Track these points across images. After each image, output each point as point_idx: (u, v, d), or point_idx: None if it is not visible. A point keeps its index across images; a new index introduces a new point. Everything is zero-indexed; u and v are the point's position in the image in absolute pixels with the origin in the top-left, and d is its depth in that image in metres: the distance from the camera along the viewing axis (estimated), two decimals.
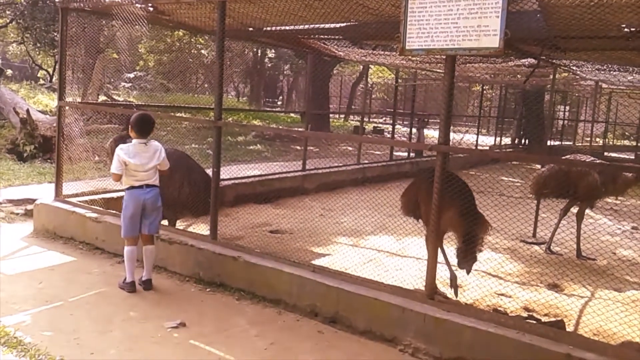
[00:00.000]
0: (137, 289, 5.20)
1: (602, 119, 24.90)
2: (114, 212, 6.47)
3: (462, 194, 5.09)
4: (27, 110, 11.75)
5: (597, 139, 25.65)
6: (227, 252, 5.42)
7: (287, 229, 7.56)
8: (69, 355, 3.89)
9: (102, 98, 15.83)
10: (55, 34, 16.35)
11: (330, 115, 25.60)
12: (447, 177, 4.71)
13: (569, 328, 4.75)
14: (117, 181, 5.25)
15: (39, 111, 14.44)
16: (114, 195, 7.18)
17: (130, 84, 19.87)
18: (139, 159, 5.15)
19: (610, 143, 25.64)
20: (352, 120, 29.94)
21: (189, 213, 6.55)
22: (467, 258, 5.16)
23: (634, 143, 25.45)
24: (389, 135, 19.61)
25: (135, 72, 20.01)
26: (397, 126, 19.64)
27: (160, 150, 5.33)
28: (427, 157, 14.64)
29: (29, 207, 7.46)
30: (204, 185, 6.28)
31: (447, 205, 4.65)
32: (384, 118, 31.07)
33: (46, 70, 27.71)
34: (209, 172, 6.08)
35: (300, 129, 14.67)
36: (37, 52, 24.00)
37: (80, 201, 6.92)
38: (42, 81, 29.16)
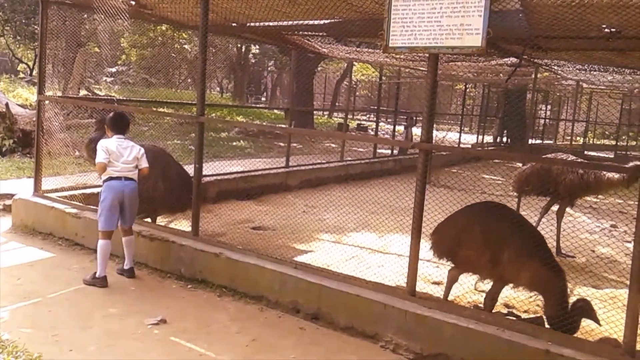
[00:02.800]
0: (111, 281, 5.17)
1: (583, 118, 25.26)
2: (93, 207, 6.38)
3: (536, 238, 4.34)
4: (7, 104, 11.56)
5: (578, 138, 26.00)
6: (208, 249, 5.39)
7: (270, 226, 7.54)
8: (48, 351, 3.84)
9: (83, 92, 15.64)
10: (36, 26, 16.12)
11: (314, 112, 25.59)
12: (507, 215, 4.32)
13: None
14: (102, 171, 5.23)
15: (19, 105, 14.20)
16: (94, 190, 7.08)
17: (111, 79, 19.67)
18: (120, 150, 5.23)
19: (591, 142, 25.99)
20: (336, 117, 29.94)
21: (164, 209, 6.55)
22: (570, 326, 4.10)
23: (614, 142, 25.83)
24: (372, 133, 19.67)
25: (117, 67, 19.82)
26: (381, 124, 19.70)
27: (140, 148, 5.41)
28: (410, 155, 14.70)
29: (8, 202, 7.34)
30: (178, 182, 6.30)
31: (524, 257, 4.06)
32: (367, 115, 31.13)
33: (26, 64, 27.33)
34: (191, 168, 6.04)
35: (284, 126, 14.66)
36: (17, 45, 23.67)
37: (59, 196, 6.84)
38: (22, 75, 28.67)
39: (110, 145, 5.22)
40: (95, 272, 5.17)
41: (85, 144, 6.95)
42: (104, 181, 5.25)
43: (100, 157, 5.16)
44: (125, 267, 5.40)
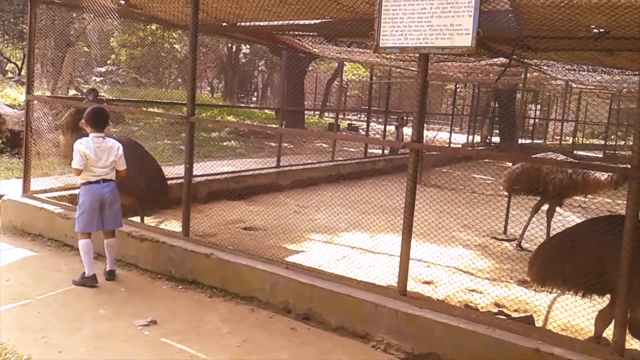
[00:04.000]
0: (100, 282, 5.15)
1: (572, 118, 25.42)
2: None
3: None
4: None
5: (567, 138, 26.17)
6: (199, 249, 5.37)
7: (261, 226, 7.53)
8: (37, 354, 3.81)
9: (72, 92, 15.54)
10: (24, 26, 15.98)
11: (305, 112, 25.58)
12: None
13: (538, 323, 4.84)
14: (78, 175, 5.21)
15: (7, 105, 14.07)
16: None
17: (101, 78, 19.55)
18: (98, 154, 5.15)
19: (580, 141, 26.18)
20: (327, 117, 29.95)
21: (143, 207, 6.55)
22: None
23: (602, 142, 26.02)
24: (363, 133, 19.68)
25: (106, 66, 19.71)
26: (372, 123, 19.72)
27: (118, 148, 5.32)
28: (401, 155, 14.73)
29: None
30: (157, 178, 6.39)
31: None
32: (358, 115, 31.16)
33: (15, 63, 27.11)
34: (182, 168, 6.02)
35: (274, 126, 14.64)
36: (6, 45, 23.46)
37: (48, 197, 6.79)
38: (10, 74, 28.49)
39: (88, 149, 5.09)
40: (84, 272, 5.14)
41: (65, 117, 6.78)
42: (82, 184, 5.22)
43: (76, 163, 5.10)
44: (107, 269, 5.33)
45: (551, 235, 5.21)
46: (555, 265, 4.21)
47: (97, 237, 5.39)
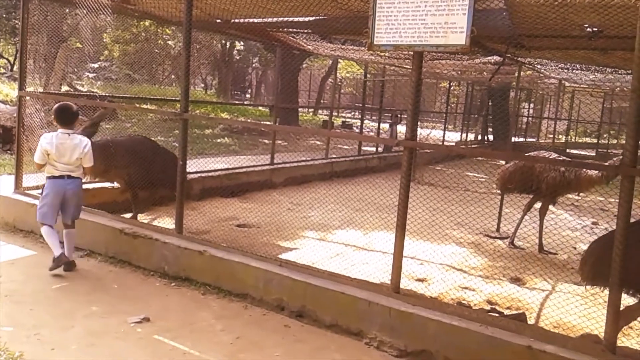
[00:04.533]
0: (93, 279, 5.14)
1: (565, 117, 25.51)
2: None
3: None
4: None
5: (560, 136, 26.29)
6: (192, 246, 5.36)
7: (255, 223, 7.52)
8: (29, 351, 3.79)
9: (64, 88, 15.46)
10: (17, 21, 15.87)
11: (299, 109, 25.55)
12: None
13: (530, 321, 4.86)
14: (40, 170, 5.40)
15: None
16: None
17: (94, 74, 19.46)
18: (61, 150, 5.22)
19: (573, 140, 26.28)
20: (321, 114, 29.92)
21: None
22: None
23: (595, 140, 26.15)
24: (357, 130, 19.68)
25: (99, 62, 19.61)
26: (365, 121, 19.73)
27: (86, 145, 5.36)
28: (395, 153, 14.75)
29: None
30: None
31: None
32: (352, 113, 31.15)
33: (7, 59, 26.89)
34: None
35: (268, 123, 14.61)
36: None
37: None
38: (2, 70, 28.25)
39: (49, 145, 5.19)
40: (54, 256, 5.21)
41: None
42: (47, 177, 5.33)
43: (36, 158, 5.28)
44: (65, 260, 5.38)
45: (605, 234, 4.85)
46: (608, 265, 3.98)
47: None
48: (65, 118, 5.34)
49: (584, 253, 4.61)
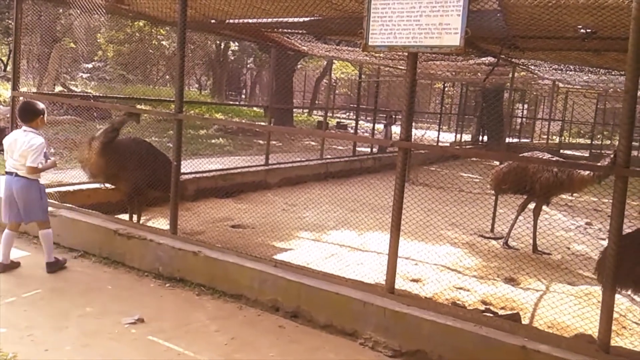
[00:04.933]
0: (87, 280, 5.11)
1: (559, 118, 25.62)
2: (69, 205, 6.33)
3: None
4: None
5: (554, 137, 26.39)
6: (187, 247, 5.35)
7: (249, 224, 7.52)
8: (23, 352, 3.78)
9: (58, 88, 15.40)
10: (10, 21, 15.81)
11: (294, 110, 25.54)
12: None
13: (525, 321, 4.88)
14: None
15: None
16: (70, 188, 7.02)
17: (88, 75, 19.39)
18: (12, 147, 5.24)
19: (566, 141, 26.39)
20: (316, 115, 29.93)
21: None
22: None
23: (589, 141, 26.25)
24: (352, 131, 19.70)
25: (93, 63, 19.55)
26: (360, 122, 19.75)
27: (27, 142, 5.14)
28: (389, 153, 14.77)
29: None
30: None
31: None
32: (347, 113, 31.18)
33: (0, 59, 26.78)
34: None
35: (263, 123, 14.59)
36: None
37: None
38: None
39: (5, 142, 5.28)
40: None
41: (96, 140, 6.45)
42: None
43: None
44: (46, 261, 5.34)
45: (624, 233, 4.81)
46: (626, 267, 3.92)
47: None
48: (24, 115, 5.36)
49: (600, 254, 4.55)
